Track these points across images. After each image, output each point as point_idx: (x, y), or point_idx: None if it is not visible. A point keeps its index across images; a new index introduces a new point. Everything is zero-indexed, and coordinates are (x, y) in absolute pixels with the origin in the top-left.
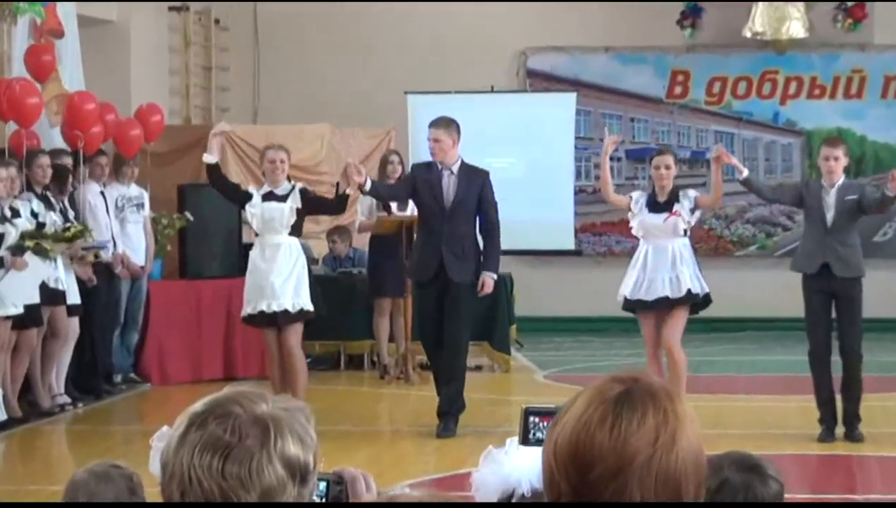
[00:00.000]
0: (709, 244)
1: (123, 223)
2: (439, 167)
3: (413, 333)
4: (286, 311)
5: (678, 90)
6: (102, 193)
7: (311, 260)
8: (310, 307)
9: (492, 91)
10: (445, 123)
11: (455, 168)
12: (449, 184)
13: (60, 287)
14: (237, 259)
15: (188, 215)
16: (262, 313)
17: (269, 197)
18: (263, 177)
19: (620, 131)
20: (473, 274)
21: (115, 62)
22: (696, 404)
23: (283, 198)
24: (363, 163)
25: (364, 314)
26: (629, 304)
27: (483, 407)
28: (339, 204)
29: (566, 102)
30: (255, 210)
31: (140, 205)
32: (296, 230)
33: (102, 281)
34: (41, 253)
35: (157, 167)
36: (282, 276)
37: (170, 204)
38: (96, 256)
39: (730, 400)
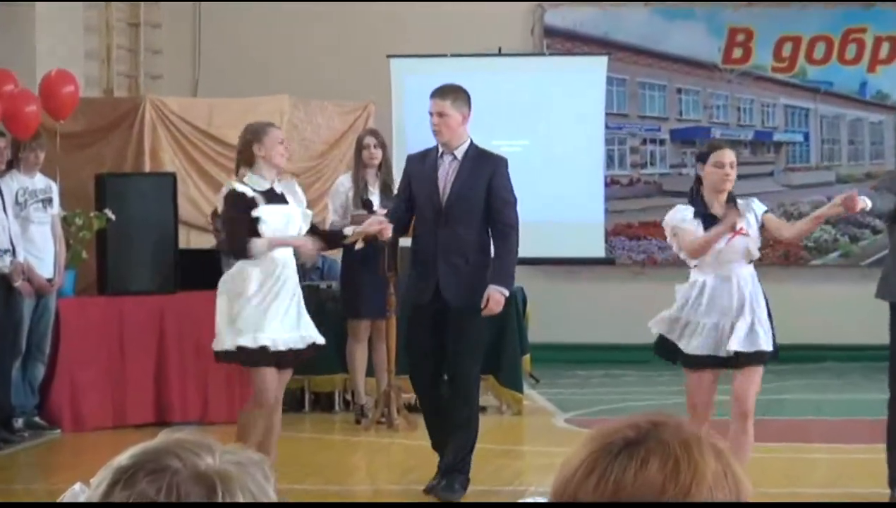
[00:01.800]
0: (776, 251)
1: (25, 223)
2: (439, 151)
3: (398, 365)
4: (314, 345)
5: (737, 53)
6: None
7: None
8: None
9: (499, 54)
10: (454, 93)
11: (460, 152)
12: (448, 173)
13: None
14: (173, 270)
15: (109, 213)
16: (263, 348)
17: (270, 196)
18: (249, 167)
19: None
20: (477, 296)
21: (13, 15)
22: (763, 455)
23: (284, 198)
24: (335, 148)
25: (335, 340)
26: (667, 349)
27: (488, 459)
28: (328, 240)
29: (594, 69)
30: (268, 216)
31: (47, 201)
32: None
33: (5, 294)
34: None
35: (71, 152)
36: (300, 302)
37: (86, 199)
38: None
39: (805, 450)
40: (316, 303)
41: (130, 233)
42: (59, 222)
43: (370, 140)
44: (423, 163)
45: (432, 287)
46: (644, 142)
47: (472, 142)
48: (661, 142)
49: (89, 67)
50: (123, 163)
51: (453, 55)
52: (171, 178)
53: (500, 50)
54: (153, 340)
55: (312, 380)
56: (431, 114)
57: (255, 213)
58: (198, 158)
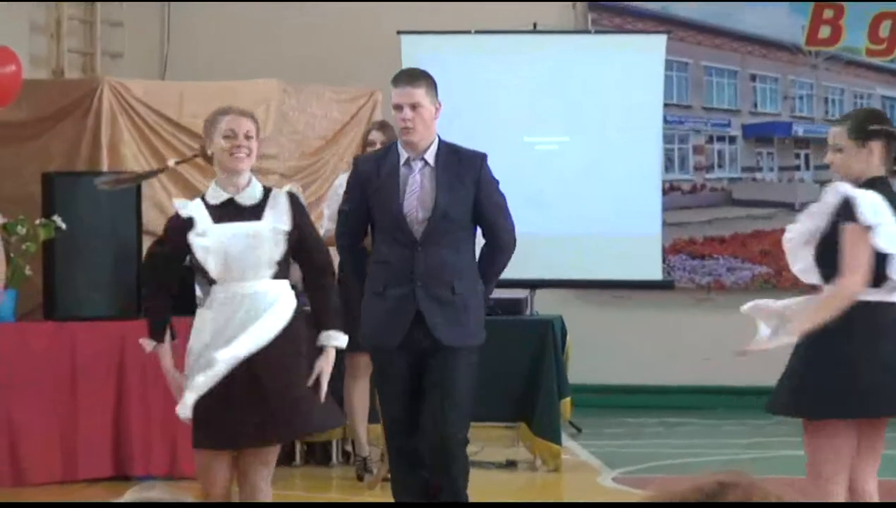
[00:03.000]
0: None
1: None
2: (401, 155)
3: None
4: (289, 425)
5: (825, 33)
6: None
7: None
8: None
9: (534, 31)
10: (426, 78)
11: (431, 155)
12: (423, 184)
13: None
14: (136, 290)
15: (58, 221)
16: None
17: (227, 211)
18: (213, 169)
19: None
20: (475, 331)
21: None
22: None
23: (255, 213)
24: (333, 144)
25: (331, 378)
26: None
27: None
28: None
29: (650, 50)
30: (206, 241)
31: None
32: (283, 270)
33: None
34: None
35: (10, 145)
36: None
37: (30, 203)
38: None
39: None
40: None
41: (84, 246)
42: None
43: (377, 135)
44: (378, 171)
45: (407, 324)
46: (710, 139)
47: (440, 141)
48: (732, 140)
49: (35, 43)
50: (76, 160)
51: (478, 32)
52: None
53: (535, 26)
54: (111, 377)
55: None
56: (399, 107)
57: (192, 236)
58: (166, 154)
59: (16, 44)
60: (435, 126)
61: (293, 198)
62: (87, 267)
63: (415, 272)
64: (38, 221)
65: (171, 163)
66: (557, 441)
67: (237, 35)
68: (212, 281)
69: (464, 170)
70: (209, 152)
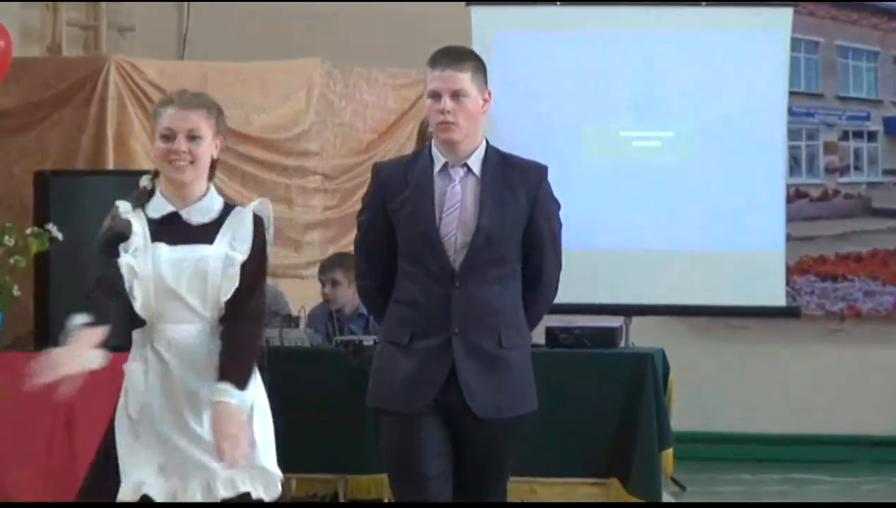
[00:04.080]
0: None
1: None
2: (436, 161)
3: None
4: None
5: None
6: None
7: (288, 320)
8: (277, 489)
9: (633, 0)
10: (473, 60)
11: (476, 161)
12: (464, 198)
13: None
14: None
15: (54, 230)
16: (145, 501)
17: (168, 229)
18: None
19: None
20: (525, 396)
21: None
22: None
23: (206, 234)
24: (387, 139)
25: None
26: None
27: None
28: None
29: (773, 26)
30: (138, 263)
31: None
32: (235, 308)
33: None
34: None
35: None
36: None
37: (19, 208)
38: None
39: None
40: (356, 368)
41: (85, 260)
42: None
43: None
44: (406, 181)
45: (439, 383)
46: (845, 136)
47: (488, 144)
48: (871, 136)
49: (26, 13)
50: (75, 156)
51: (565, 2)
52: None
53: None
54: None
55: (352, 481)
56: (437, 94)
57: (124, 257)
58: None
59: (4, 15)
60: (481, 123)
61: (258, 225)
62: (86, 287)
63: (452, 316)
64: (29, 230)
65: (143, 182)
66: (657, 499)
67: (270, 5)
68: (139, 321)
69: (518, 184)
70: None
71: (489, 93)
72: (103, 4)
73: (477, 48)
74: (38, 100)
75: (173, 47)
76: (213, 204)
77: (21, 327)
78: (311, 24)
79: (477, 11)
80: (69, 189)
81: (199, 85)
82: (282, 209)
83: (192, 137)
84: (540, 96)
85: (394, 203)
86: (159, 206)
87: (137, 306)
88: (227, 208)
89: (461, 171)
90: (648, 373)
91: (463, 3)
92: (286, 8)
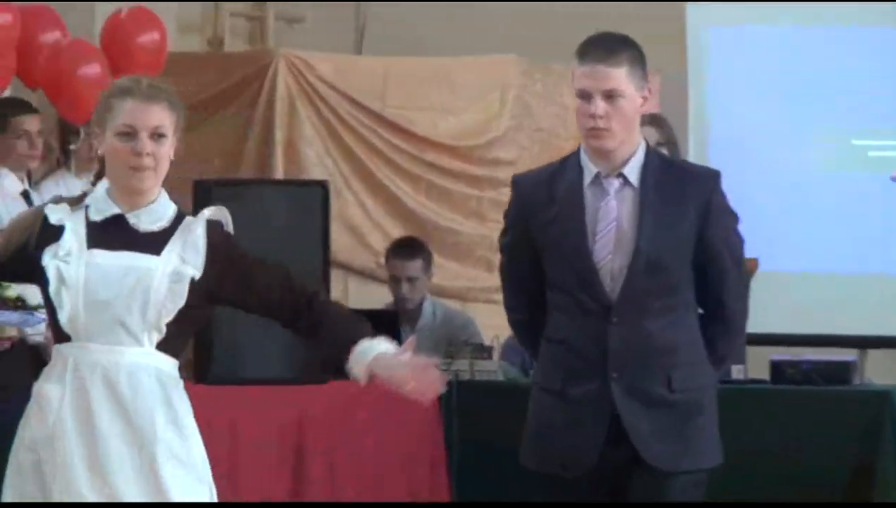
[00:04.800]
0: None
1: None
2: (588, 172)
3: None
4: None
5: None
6: (27, 195)
7: (480, 351)
8: None
9: None
10: (629, 49)
11: (634, 170)
12: (619, 214)
13: None
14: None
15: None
16: None
17: (109, 234)
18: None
19: None
20: (706, 447)
21: None
22: None
23: (153, 243)
24: None
25: None
26: None
27: None
28: (314, 333)
29: None
30: (68, 269)
31: None
32: (174, 339)
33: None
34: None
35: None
36: (133, 471)
37: None
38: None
39: None
40: None
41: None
42: None
43: (651, 132)
44: (551, 195)
45: (600, 441)
46: None
47: (649, 148)
48: None
49: (185, 5)
50: (239, 162)
51: None
52: (320, 190)
53: None
54: (286, 462)
55: None
56: (587, 94)
57: (45, 259)
58: (364, 157)
59: (160, 3)
60: (638, 125)
61: (214, 229)
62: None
63: (609, 356)
64: None
65: (84, 189)
66: None
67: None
68: (61, 336)
69: (685, 195)
70: (98, 151)
71: (649, 90)
72: None
73: (691, 46)
74: (198, 101)
75: (349, 41)
76: (165, 210)
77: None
78: (507, 16)
79: (693, 8)
80: (233, 199)
81: (380, 84)
82: (472, 225)
83: (156, 136)
84: (760, 99)
85: (537, 222)
86: (102, 207)
87: (63, 319)
88: (180, 217)
89: (616, 183)
90: (886, 414)
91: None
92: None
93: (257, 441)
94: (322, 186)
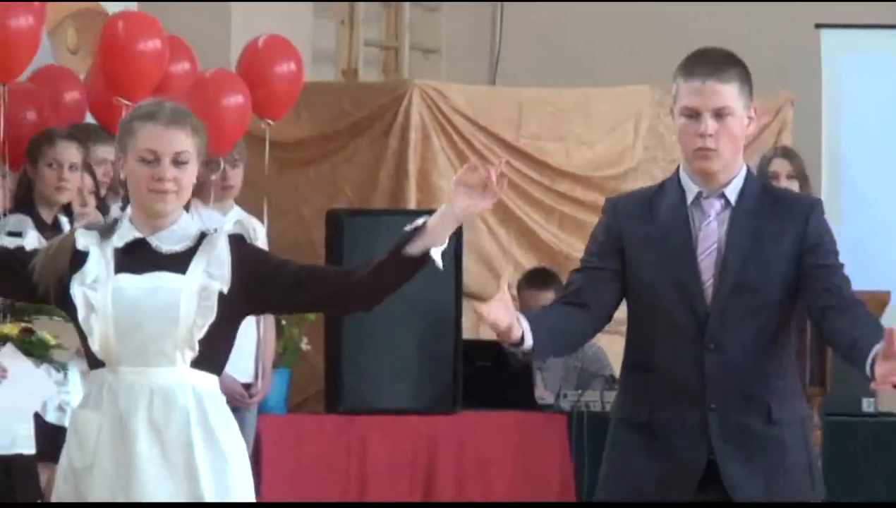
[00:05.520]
0: None
1: None
2: (690, 191)
3: None
4: None
5: None
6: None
7: (611, 382)
8: None
9: None
10: (736, 66)
11: (734, 191)
12: (719, 236)
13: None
14: (452, 375)
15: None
16: None
17: (135, 258)
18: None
19: None
20: (807, 481)
21: None
22: None
23: (178, 263)
24: None
25: None
26: None
27: None
28: (367, 281)
29: None
30: (95, 296)
31: None
32: (210, 355)
33: None
34: (38, 350)
35: (286, 172)
36: (170, 497)
37: (309, 249)
38: None
39: None
40: None
41: (383, 313)
42: None
43: (782, 165)
44: (652, 214)
45: (694, 480)
46: None
47: (749, 171)
48: None
49: (320, 31)
50: (372, 193)
51: None
52: None
53: None
54: (416, 492)
55: None
56: (695, 112)
57: (73, 288)
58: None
59: (295, 32)
60: (742, 147)
61: (236, 240)
62: (386, 341)
63: (706, 384)
64: None
65: (115, 214)
66: None
67: (593, 24)
68: (95, 362)
69: (783, 219)
70: (121, 176)
71: (755, 110)
72: (406, 21)
73: (826, 74)
74: (332, 130)
75: (484, 71)
76: (187, 230)
77: (310, 386)
78: (640, 46)
79: (827, 34)
80: (366, 230)
81: (514, 114)
82: None
83: (179, 162)
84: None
85: (636, 241)
86: (125, 233)
87: (94, 345)
88: (202, 236)
89: (717, 204)
90: None
91: (813, 26)
92: (609, 29)
93: (388, 469)
94: None
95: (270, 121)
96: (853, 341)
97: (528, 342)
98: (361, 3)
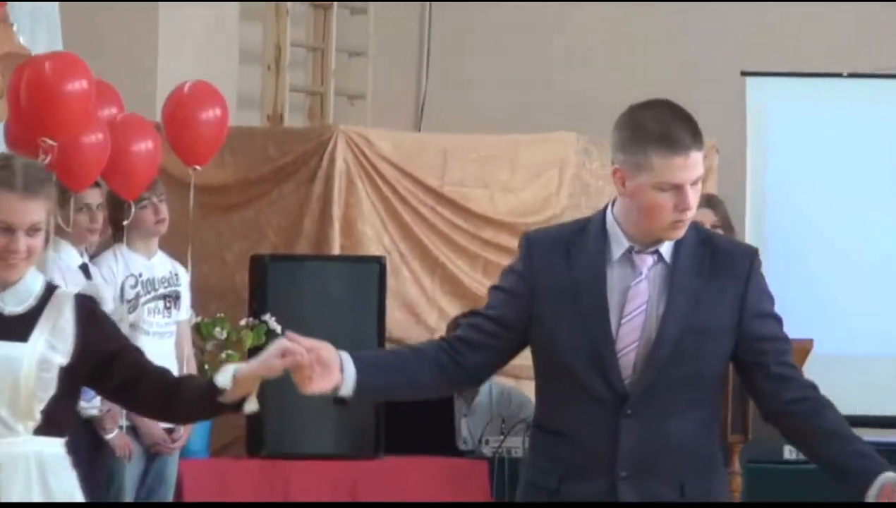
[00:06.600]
0: None
1: (133, 334)
2: (619, 246)
3: None
4: None
5: None
6: (85, 268)
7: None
8: None
9: None
10: (698, 129)
11: (668, 246)
12: (651, 296)
13: None
14: (374, 419)
15: (271, 322)
16: None
17: None
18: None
19: None
20: None
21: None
22: None
23: (21, 327)
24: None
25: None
26: None
27: None
28: (185, 410)
29: None
30: None
31: (171, 299)
32: (54, 421)
33: (89, 453)
34: None
35: (210, 217)
36: None
37: (233, 296)
38: None
39: None
40: None
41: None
42: (188, 334)
43: (706, 215)
44: (570, 264)
45: None
46: None
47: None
48: None
49: (245, 77)
50: (297, 239)
51: (853, 75)
52: (377, 266)
53: None
54: None
55: None
56: (677, 187)
57: None
58: (422, 235)
59: (220, 77)
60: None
61: (85, 309)
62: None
63: (618, 454)
64: (243, 321)
65: None
66: None
67: (519, 71)
68: None
69: (722, 274)
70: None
71: (704, 156)
72: (332, 67)
73: (752, 121)
74: (257, 175)
75: (409, 118)
76: (32, 287)
77: (232, 430)
78: (565, 93)
79: (753, 82)
80: (289, 275)
81: (439, 161)
82: None
83: (32, 232)
84: (821, 177)
85: (549, 292)
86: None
87: None
88: (48, 291)
89: (650, 260)
90: None
91: (738, 73)
92: (534, 76)
93: None
94: (379, 263)
95: (196, 167)
96: (843, 463)
97: (348, 392)
98: (288, 48)
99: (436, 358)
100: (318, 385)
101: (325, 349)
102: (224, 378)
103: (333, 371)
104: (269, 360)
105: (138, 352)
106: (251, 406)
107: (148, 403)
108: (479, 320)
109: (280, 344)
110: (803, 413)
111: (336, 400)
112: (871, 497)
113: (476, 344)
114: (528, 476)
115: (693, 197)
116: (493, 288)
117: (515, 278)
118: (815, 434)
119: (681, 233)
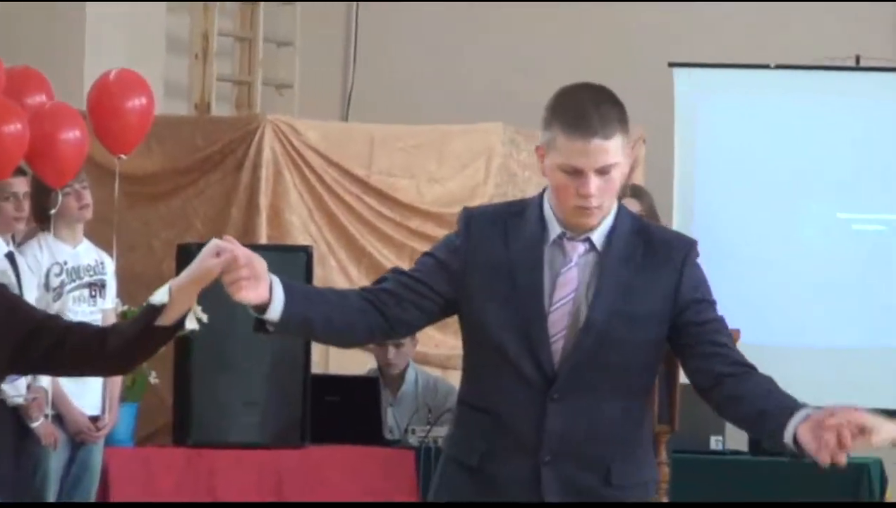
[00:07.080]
0: None
1: None
2: (552, 231)
3: None
4: None
5: None
6: (11, 257)
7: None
8: None
9: (856, 67)
10: (619, 114)
11: (601, 233)
12: (580, 284)
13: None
14: (300, 408)
15: (197, 311)
16: None
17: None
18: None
19: None
20: None
21: None
22: None
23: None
24: None
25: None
26: None
27: None
28: (123, 350)
29: None
30: None
31: (97, 287)
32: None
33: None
34: None
35: (137, 206)
36: None
37: (159, 283)
38: None
39: None
40: None
41: (232, 347)
42: (113, 321)
43: (631, 204)
44: (506, 246)
45: None
46: None
47: (621, 208)
48: None
49: (172, 67)
50: (223, 228)
51: (779, 66)
52: (304, 255)
53: (857, 60)
54: None
55: None
56: (578, 172)
57: None
58: (348, 224)
59: (147, 66)
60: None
61: None
62: (235, 375)
63: (543, 437)
64: None
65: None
66: None
67: (446, 62)
68: None
69: (655, 265)
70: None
71: (632, 147)
72: (259, 56)
73: (680, 113)
74: (184, 165)
75: (337, 107)
76: None
77: (158, 419)
78: (493, 83)
79: (680, 73)
80: None
81: (366, 151)
82: None
83: None
84: (748, 168)
85: (483, 269)
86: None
87: None
88: None
89: (581, 248)
90: (864, 486)
91: (665, 64)
92: (463, 67)
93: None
94: (306, 252)
95: (122, 156)
96: (761, 411)
97: (275, 316)
98: (215, 38)
99: (360, 303)
100: (248, 293)
101: (259, 261)
102: (160, 294)
103: (263, 283)
104: (205, 261)
105: (56, 318)
106: (192, 323)
107: (80, 357)
108: (406, 279)
109: (214, 242)
110: (734, 380)
111: (258, 326)
112: (792, 425)
113: (401, 299)
114: (450, 452)
115: (596, 185)
116: (426, 255)
117: (450, 251)
118: (745, 396)
119: (586, 221)
